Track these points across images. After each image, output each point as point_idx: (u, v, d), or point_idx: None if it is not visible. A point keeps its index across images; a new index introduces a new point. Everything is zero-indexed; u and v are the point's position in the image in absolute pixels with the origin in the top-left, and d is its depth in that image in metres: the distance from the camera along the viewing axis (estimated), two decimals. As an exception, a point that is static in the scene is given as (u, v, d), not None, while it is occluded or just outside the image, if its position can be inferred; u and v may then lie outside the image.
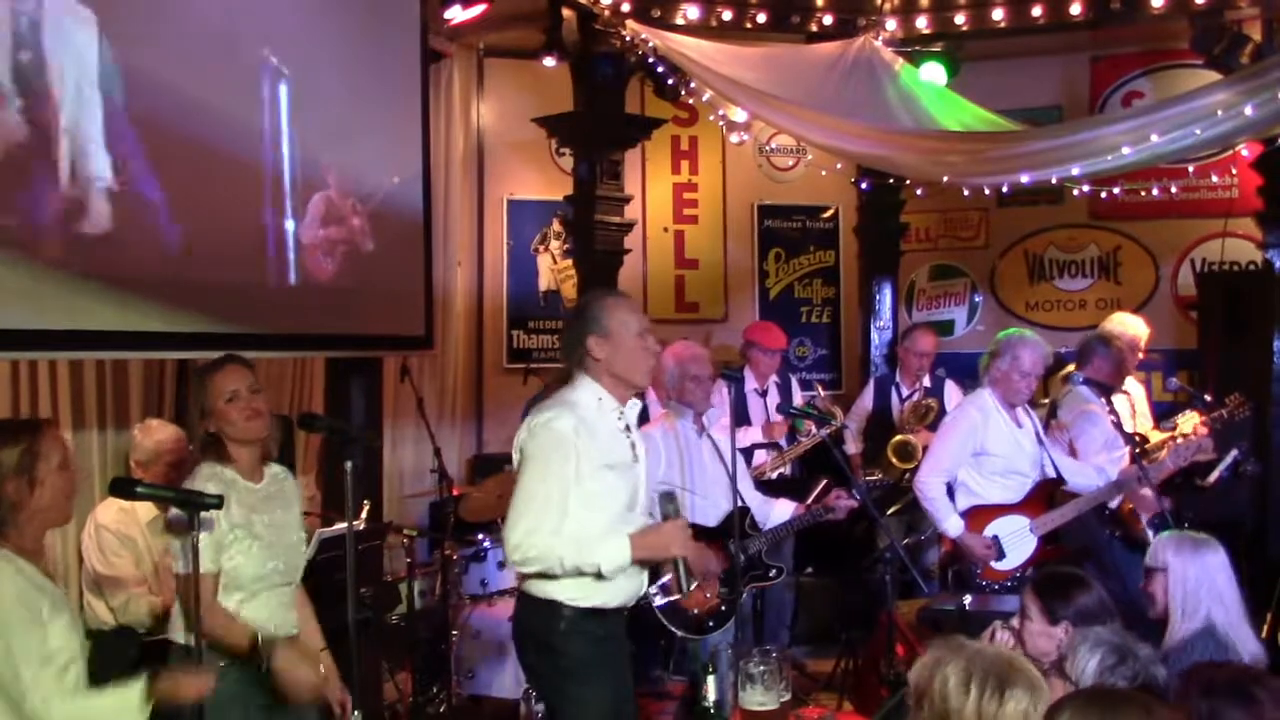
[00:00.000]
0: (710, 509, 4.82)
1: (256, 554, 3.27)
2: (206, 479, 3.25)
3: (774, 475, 6.23)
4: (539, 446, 3.29)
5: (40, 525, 2.79)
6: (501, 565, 5.64)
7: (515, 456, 3.40)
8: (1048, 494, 5.10)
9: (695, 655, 4.66)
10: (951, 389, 6.82)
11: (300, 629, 3.50)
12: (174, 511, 3.13)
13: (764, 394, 6.54)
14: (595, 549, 3.25)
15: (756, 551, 4.88)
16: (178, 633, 3.30)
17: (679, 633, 4.63)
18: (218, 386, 3.32)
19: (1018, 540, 4.98)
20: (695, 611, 4.66)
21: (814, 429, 6.00)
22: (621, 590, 3.44)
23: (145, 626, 4.29)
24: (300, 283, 5.05)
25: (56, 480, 2.78)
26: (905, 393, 6.84)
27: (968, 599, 4.33)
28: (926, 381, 6.82)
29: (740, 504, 4.79)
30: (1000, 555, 4.96)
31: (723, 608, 4.69)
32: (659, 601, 4.60)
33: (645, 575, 3.60)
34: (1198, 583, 3.41)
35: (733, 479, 4.02)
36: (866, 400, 7.01)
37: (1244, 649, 3.34)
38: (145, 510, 4.38)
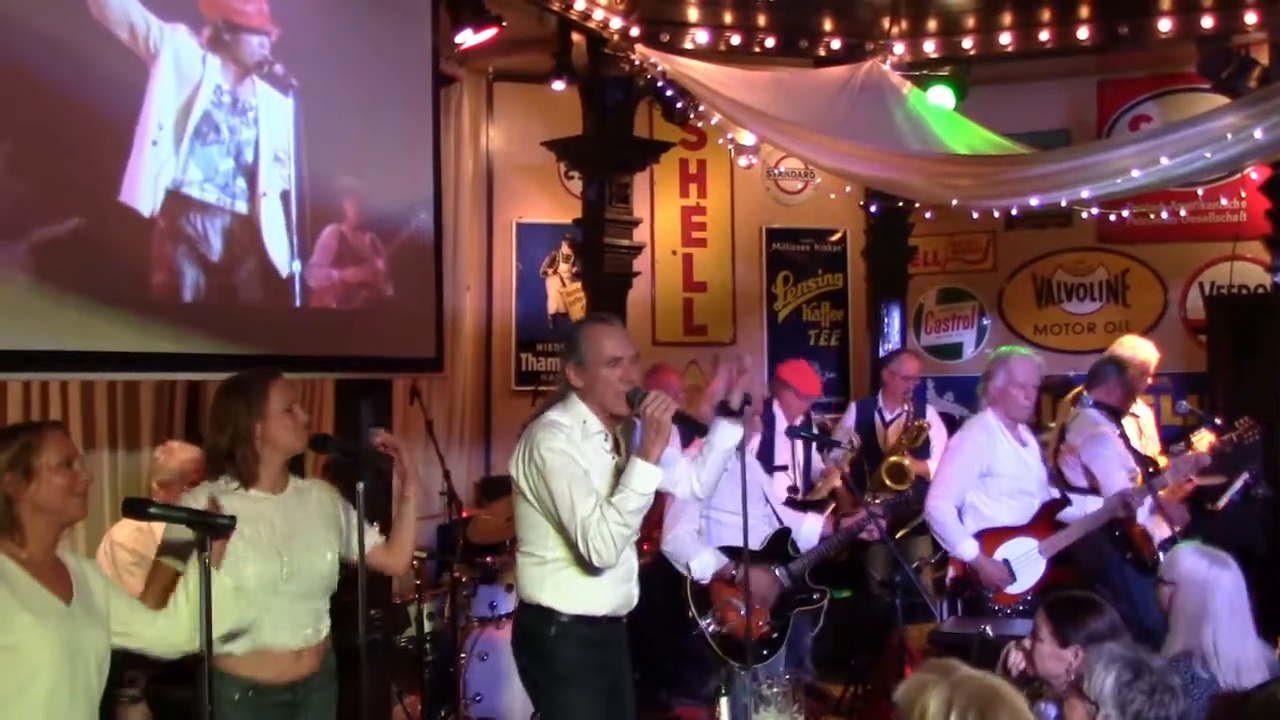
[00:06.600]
0: (751, 531, 4.76)
1: (254, 561, 3.16)
2: (197, 498, 3.18)
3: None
4: (546, 470, 3.29)
5: (45, 526, 2.73)
6: (509, 588, 5.63)
7: (522, 484, 3.40)
8: (1053, 515, 5.08)
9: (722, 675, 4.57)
10: (931, 413, 6.79)
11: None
12: (179, 534, 3.10)
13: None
14: (625, 490, 3.25)
15: (801, 573, 4.84)
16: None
17: (734, 664, 4.49)
18: (278, 396, 3.25)
19: (1027, 563, 4.94)
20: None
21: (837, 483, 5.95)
22: (608, 599, 3.45)
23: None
24: (311, 306, 5.06)
25: (56, 478, 2.72)
26: (889, 417, 6.80)
27: (988, 628, 4.28)
28: (908, 406, 6.78)
29: (782, 525, 4.77)
30: (1012, 579, 4.93)
31: (774, 635, 4.65)
32: (712, 630, 4.56)
33: (633, 584, 3.57)
34: (1201, 601, 3.41)
35: (744, 501, 3.95)
36: (849, 423, 6.95)
37: (1243, 667, 3.32)
38: (162, 529, 4.37)
